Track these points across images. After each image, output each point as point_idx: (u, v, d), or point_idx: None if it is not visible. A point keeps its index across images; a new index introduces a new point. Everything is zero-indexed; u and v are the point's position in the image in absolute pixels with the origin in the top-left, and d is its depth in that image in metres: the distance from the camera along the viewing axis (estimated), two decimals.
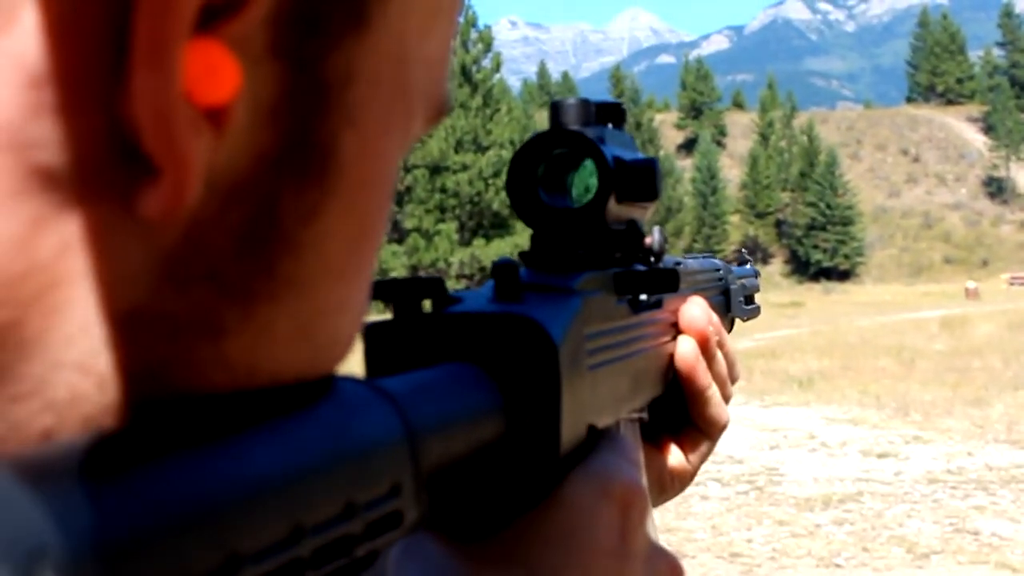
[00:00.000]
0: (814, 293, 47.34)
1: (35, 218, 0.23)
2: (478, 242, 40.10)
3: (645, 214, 0.67)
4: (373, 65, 0.30)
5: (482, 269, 39.20)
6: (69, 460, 0.22)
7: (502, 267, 0.49)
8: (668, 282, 0.61)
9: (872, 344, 17.47)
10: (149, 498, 0.22)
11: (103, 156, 0.24)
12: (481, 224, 40.68)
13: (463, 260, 39.34)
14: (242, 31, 0.25)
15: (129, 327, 0.25)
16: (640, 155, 0.66)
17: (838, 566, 5.75)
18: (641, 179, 0.63)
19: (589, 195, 0.62)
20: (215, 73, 0.25)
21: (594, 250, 0.62)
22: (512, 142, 40.85)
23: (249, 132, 0.26)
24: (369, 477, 0.30)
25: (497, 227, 40.73)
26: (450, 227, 38.77)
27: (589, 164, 0.62)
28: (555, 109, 0.65)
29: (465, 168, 39.11)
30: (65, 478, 0.21)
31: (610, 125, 0.65)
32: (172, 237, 0.26)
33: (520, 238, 39.87)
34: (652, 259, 0.67)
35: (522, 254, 0.62)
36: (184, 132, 0.24)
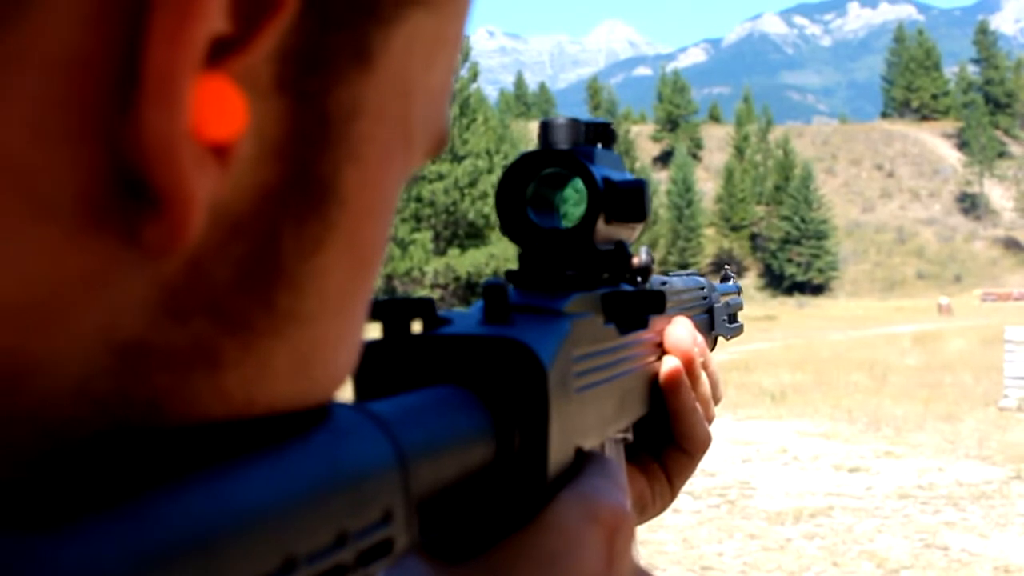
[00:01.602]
0: (788, 307, 47.53)
1: (34, 247, 0.23)
2: (453, 252, 40.06)
3: (633, 235, 0.67)
4: (376, 99, 0.30)
5: (456, 279, 39.19)
6: (46, 494, 0.22)
7: (492, 289, 0.49)
8: (655, 304, 0.62)
9: (845, 358, 17.56)
10: (138, 530, 0.22)
11: (105, 187, 0.24)
12: (456, 234, 40.65)
13: (438, 269, 39.28)
14: (249, 65, 0.25)
15: (127, 357, 0.25)
16: (629, 176, 0.66)
17: None
18: (630, 200, 0.63)
19: (578, 215, 0.62)
20: (223, 108, 0.25)
21: (582, 270, 0.62)
22: (488, 152, 40.89)
23: (253, 167, 0.27)
24: (361, 504, 0.30)
25: (472, 237, 40.71)
26: (425, 236, 38.72)
27: (578, 184, 0.62)
28: (545, 128, 0.65)
29: (441, 177, 39.09)
30: (42, 513, 0.21)
31: (600, 145, 0.65)
32: (173, 270, 0.26)
33: (495, 248, 39.87)
34: (639, 279, 0.67)
35: (509, 273, 0.62)
36: (189, 167, 0.24)
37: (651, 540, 6.37)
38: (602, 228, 0.62)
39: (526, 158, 0.63)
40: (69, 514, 0.21)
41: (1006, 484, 7.85)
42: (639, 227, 0.67)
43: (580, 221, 0.62)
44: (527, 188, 0.63)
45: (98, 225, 0.24)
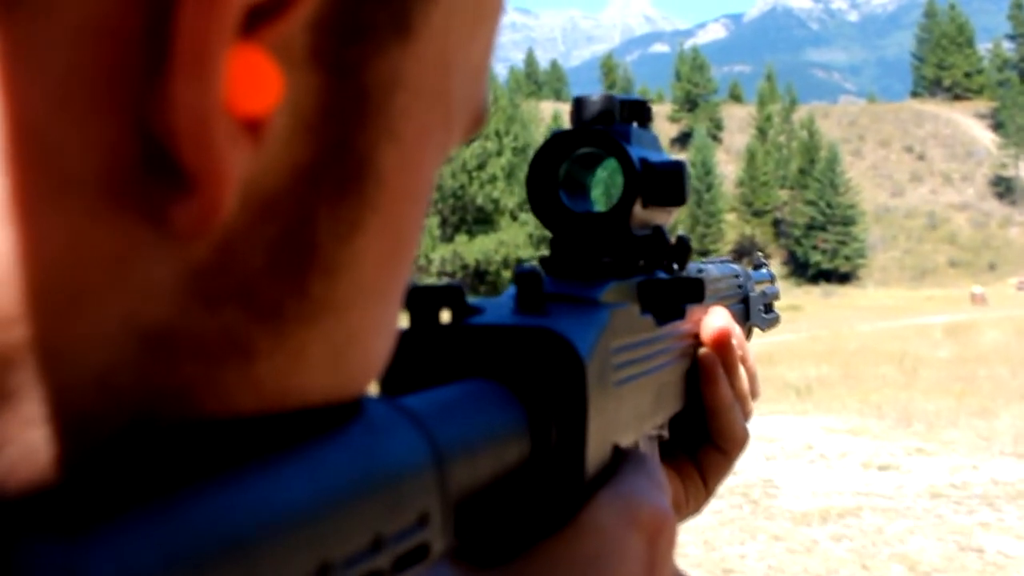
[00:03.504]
0: (813, 296, 47.52)
1: (57, 227, 0.23)
2: (461, 238, 40.08)
3: (670, 219, 0.67)
4: (416, 73, 0.30)
5: (464, 267, 39.21)
6: (75, 496, 0.22)
7: (525, 276, 0.49)
8: (693, 292, 0.62)
9: (873, 351, 17.51)
10: (169, 533, 0.22)
11: (132, 165, 0.23)
12: (464, 219, 40.67)
13: (445, 256, 39.32)
14: (285, 35, 0.25)
15: (153, 345, 0.25)
16: (667, 156, 0.65)
17: None
18: (669, 183, 0.62)
19: (613, 198, 0.62)
20: (257, 81, 0.24)
21: (618, 257, 0.62)
22: (497, 133, 40.88)
23: (286, 143, 0.26)
24: (397, 506, 0.30)
25: (481, 222, 40.73)
26: (432, 222, 38.73)
27: (614, 165, 0.62)
28: (578, 105, 0.64)
29: (448, 160, 39.01)
30: (72, 517, 0.21)
31: (635, 124, 0.64)
32: (202, 253, 0.25)
33: (505, 234, 39.89)
34: (675, 266, 0.67)
35: (543, 260, 0.62)
36: (222, 143, 0.24)
37: None
38: (639, 212, 0.62)
39: (559, 137, 0.62)
40: (98, 517, 0.21)
41: None
42: (676, 211, 0.66)
43: (616, 204, 0.62)
44: (559, 169, 0.62)
45: (124, 204, 0.24)
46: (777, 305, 1.05)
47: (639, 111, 0.65)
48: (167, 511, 0.22)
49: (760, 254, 1.13)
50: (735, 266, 0.95)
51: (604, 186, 0.63)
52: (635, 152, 0.62)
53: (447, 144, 0.34)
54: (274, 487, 0.25)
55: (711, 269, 0.86)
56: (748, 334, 0.95)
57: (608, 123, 0.63)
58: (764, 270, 1.05)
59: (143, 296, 0.25)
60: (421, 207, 0.33)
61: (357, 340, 0.31)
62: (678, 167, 0.63)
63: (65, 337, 0.24)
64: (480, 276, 39.49)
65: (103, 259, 0.24)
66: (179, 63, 0.23)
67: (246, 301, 0.27)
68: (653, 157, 0.63)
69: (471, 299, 0.48)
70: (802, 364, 15.30)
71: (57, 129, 0.23)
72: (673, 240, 0.67)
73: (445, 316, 0.47)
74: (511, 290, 0.50)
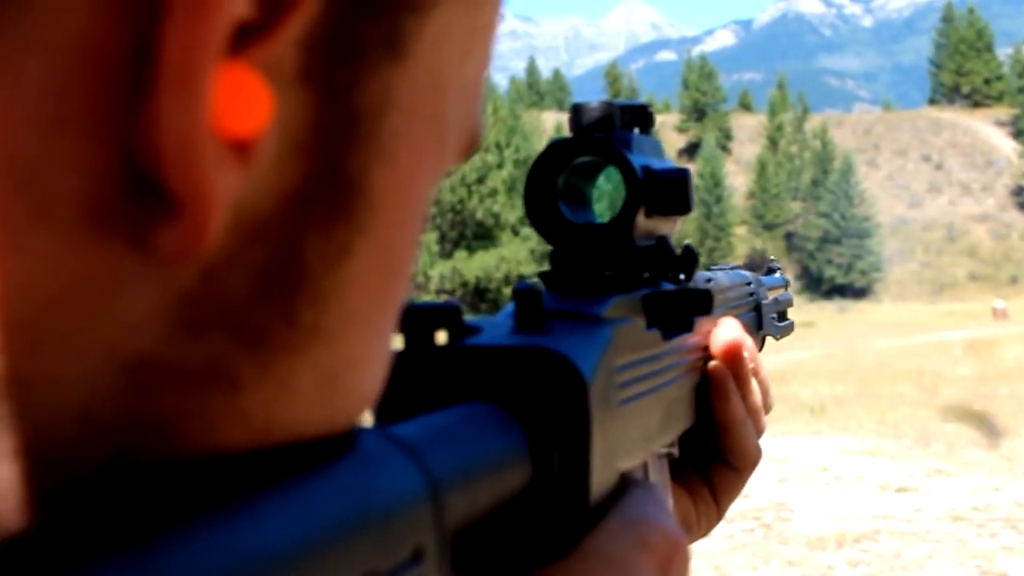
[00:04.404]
0: (827, 312, 47.52)
1: (36, 253, 0.23)
2: (460, 254, 40.11)
3: (675, 228, 0.66)
4: (408, 93, 0.30)
5: (464, 284, 39.23)
6: (50, 540, 0.22)
7: (524, 293, 0.48)
8: (701, 304, 0.61)
9: (890, 368, 17.50)
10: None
11: (115, 188, 0.23)
12: (463, 235, 40.70)
13: (443, 273, 39.35)
14: (274, 54, 0.25)
15: (136, 376, 0.25)
16: (670, 164, 0.65)
17: None
18: (672, 191, 0.62)
19: (615, 208, 0.62)
20: (245, 101, 0.24)
21: (621, 270, 0.61)
22: (498, 145, 40.95)
23: (275, 165, 0.26)
24: (390, 543, 0.29)
25: (481, 238, 40.76)
26: (430, 238, 38.76)
27: (615, 174, 0.62)
28: (576, 112, 0.64)
29: (447, 174, 39.07)
30: (46, 564, 0.21)
31: (636, 130, 0.64)
32: (187, 279, 0.25)
33: (506, 250, 39.92)
34: (682, 277, 0.66)
35: (543, 274, 0.61)
36: (209, 165, 0.24)
37: None
38: (642, 222, 0.62)
39: (557, 146, 0.62)
40: (73, 565, 0.21)
41: None
42: (680, 220, 0.66)
43: (618, 215, 0.62)
44: (558, 179, 0.62)
45: (106, 229, 0.23)
46: (792, 319, 1.04)
47: (640, 116, 0.64)
48: (146, 557, 0.22)
49: (772, 259, 1.12)
50: (746, 272, 0.95)
51: (605, 196, 0.64)
52: (636, 159, 0.62)
53: (441, 166, 0.34)
54: (259, 527, 0.25)
55: (720, 277, 0.85)
56: (761, 344, 0.95)
57: (608, 130, 0.62)
58: (777, 275, 1.04)
59: (127, 324, 0.24)
60: (414, 231, 0.33)
61: (348, 369, 0.31)
62: (682, 174, 0.63)
63: (45, 368, 0.24)
64: (480, 294, 39.53)
65: (85, 286, 0.24)
66: (164, 82, 0.23)
67: (232, 328, 0.27)
68: (656, 164, 0.63)
69: (468, 318, 0.48)
70: (816, 382, 15.29)
71: (37, 151, 0.22)
72: (679, 250, 0.66)
73: (441, 337, 0.47)
74: (510, 307, 0.50)
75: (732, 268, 0.92)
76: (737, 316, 0.79)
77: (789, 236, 70.09)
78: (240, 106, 0.24)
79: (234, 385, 0.27)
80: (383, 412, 0.45)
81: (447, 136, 0.33)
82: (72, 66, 0.22)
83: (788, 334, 1.00)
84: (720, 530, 7.16)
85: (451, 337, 0.47)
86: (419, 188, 0.32)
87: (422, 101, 0.31)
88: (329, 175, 0.28)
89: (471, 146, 0.36)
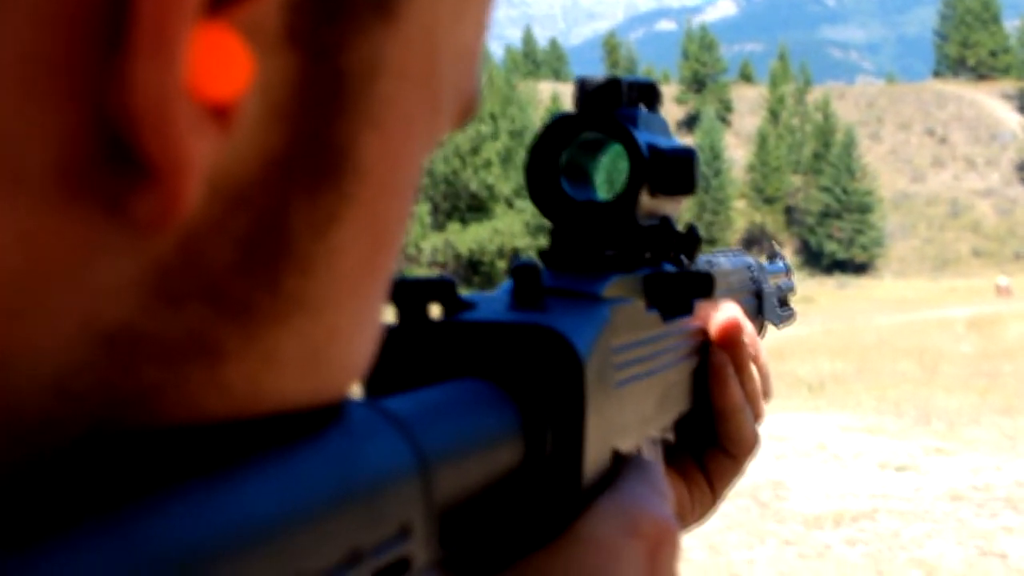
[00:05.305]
0: (827, 288, 47.52)
1: (7, 221, 0.23)
2: (453, 226, 40.11)
3: (678, 208, 0.67)
4: (399, 56, 0.29)
5: (457, 257, 39.23)
6: (24, 508, 0.22)
7: (523, 269, 0.48)
8: (703, 287, 0.61)
9: (891, 345, 17.53)
10: (123, 549, 0.21)
11: (88, 153, 0.23)
12: (457, 207, 40.68)
13: (436, 246, 39.34)
14: (256, 14, 0.25)
15: (114, 347, 0.25)
16: (676, 142, 0.65)
17: None
18: (678, 170, 0.62)
19: (618, 187, 0.61)
20: (224, 62, 0.24)
21: (622, 249, 0.61)
22: (492, 116, 40.88)
23: (258, 130, 0.26)
24: (377, 518, 0.29)
25: (474, 210, 40.75)
26: (422, 209, 38.75)
27: (619, 151, 0.61)
28: (581, 87, 0.63)
29: (439, 144, 39.02)
30: (19, 530, 0.21)
31: (643, 107, 0.64)
32: (166, 247, 0.25)
33: (500, 222, 39.91)
34: (684, 259, 0.66)
35: (542, 252, 0.61)
36: (185, 130, 0.23)
37: None
38: (646, 201, 0.62)
39: (560, 121, 0.62)
40: (45, 531, 0.21)
41: None
42: (685, 200, 0.66)
43: (621, 193, 0.61)
44: (561, 155, 0.62)
45: (79, 196, 0.23)
46: (793, 308, 1.05)
47: (647, 93, 0.64)
48: (123, 525, 0.22)
49: (775, 243, 1.13)
50: (748, 258, 0.95)
51: (608, 173, 0.63)
52: (642, 137, 0.61)
53: (434, 133, 0.33)
54: (241, 499, 0.25)
55: (722, 261, 0.86)
56: (761, 331, 0.95)
57: (614, 106, 0.62)
58: (779, 262, 1.05)
59: (103, 294, 0.24)
60: (406, 199, 0.32)
61: (335, 340, 0.31)
62: (688, 154, 0.62)
63: (18, 339, 0.23)
64: (474, 266, 39.53)
65: (59, 255, 0.23)
66: (138, 43, 0.22)
67: (214, 299, 0.26)
68: (662, 143, 0.63)
69: (464, 293, 0.48)
70: (815, 359, 15.31)
71: (8, 116, 0.22)
72: (681, 230, 0.66)
73: (435, 311, 0.47)
74: (507, 284, 0.50)
75: (735, 253, 0.92)
76: (738, 301, 0.79)
77: (789, 210, 70.11)
78: (219, 69, 0.24)
79: (216, 356, 0.27)
80: (375, 387, 0.45)
81: (441, 101, 0.33)
82: (42, 27, 0.22)
83: (790, 323, 1.01)
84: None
85: (445, 312, 0.47)
86: (411, 155, 0.32)
87: (414, 64, 0.30)
88: (315, 141, 0.27)
89: (467, 113, 0.36)
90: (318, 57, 0.27)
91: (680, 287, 0.61)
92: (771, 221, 69.01)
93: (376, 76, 0.29)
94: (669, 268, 0.64)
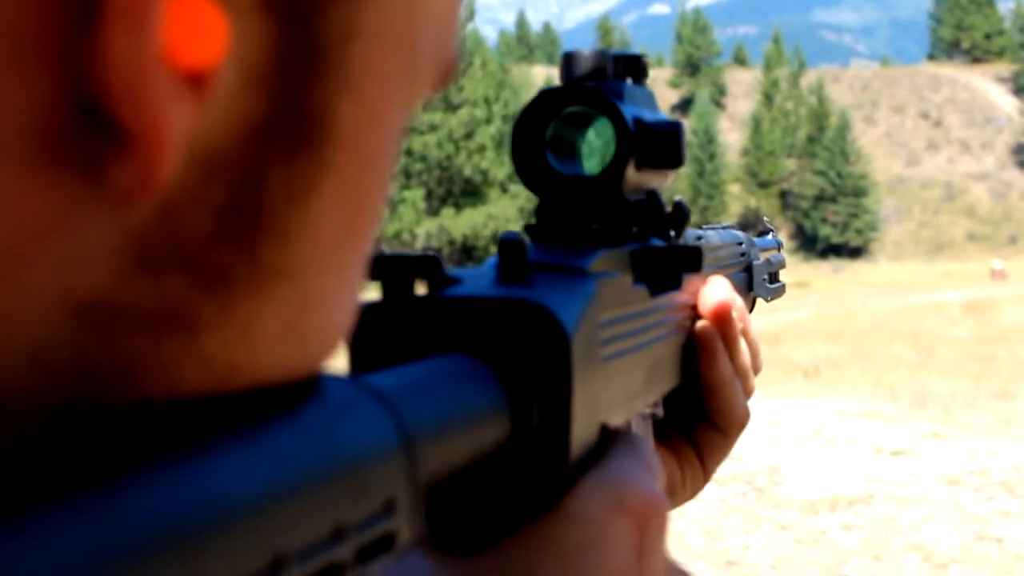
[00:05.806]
0: (822, 272, 47.56)
1: None
2: (447, 211, 40.04)
3: (665, 182, 0.67)
4: (376, 20, 0.29)
5: (451, 242, 39.18)
6: (3, 484, 0.21)
7: (508, 244, 0.48)
8: (690, 261, 0.61)
9: (886, 329, 17.55)
10: (102, 526, 0.21)
11: (63, 121, 0.23)
12: (451, 192, 40.61)
13: (430, 231, 39.29)
14: None
15: (90, 318, 0.25)
16: (663, 116, 0.65)
17: None
18: (664, 144, 0.62)
19: (605, 160, 0.61)
20: (199, 30, 0.24)
21: (609, 224, 0.61)
22: (486, 100, 40.78)
23: (234, 98, 0.26)
24: (360, 494, 0.29)
25: (469, 195, 40.68)
26: (416, 194, 38.71)
27: (606, 125, 0.61)
28: (567, 61, 0.63)
29: (433, 129, 39.01)
30: (5, 506, 0.21)
31: (630, 80, 0.64)
32: (142, 217, 0.25)
33: (494, 207, 39.86)
34: (672, 233, 0.67)
35: (528, 227, 0.61)
36: (160, 98, 0.23)
37: (670, 532, 6.36)
38: (632, 175, 0.62)
39: (546, 95, 0.62)
40: (22, 508, 0.21)
41: None
42: (672, 174, 0.66)
43: (607, 167, 0.61)
44: (547, 129, 0.62)
45: (55, 165, 0.23)
46: (783, 281, 1.05)
47: (633, 66, 0.64)
48: (102, 501, 0.22)
49: (767, 219, 1.13)
50: (738, 232, 0.95)
51: (595, 147, 0.63)
52: (628, 111, 0.61)
53: (412, 97, 0.33)
54: (220, 474, 0.25)
55: (711, 236, 0.86)
56: (751, 305, 0.95)
57: (600, 80, 0.62)
58: (770, 237, 1.05)
59: (79, 264, 0.24)
60: (384, 166, 0.32)
61: (313, 310, 0.30)
62: (674, 127, 0.62)
63: None
64: (468, 252, 39.49)
65: (34, 224, 0.23)
66: (112, 10, 0.22)
67: (191, 268, 0.26)
68: (648, 116, 0.63)
69: (450, 269, 0.48)
70: (810, 344, 15.32)
71: None
72: (669, 206, 0.66)
73: (421, 288, 0.47)
74: (493, 259, 0.50)
75: (725, 227, 0.93)
76: (727, 276, 0.79)
77: (784, 194, 70.05)
78: (194, 35, 0.24)
79: (194, 327, 0.27)
80: (360, 364, 0.45)
81: (419, 66, 0.32)
82: None
83: (779, 296, 1.01)
84: (712, 494, 7.19)
85: (431, 287, 0.47)
86: (389, 121, 0.31)
87: (391, 28, 0.30)
88: (292, 108, 0.27)
89: (446, 77, 0.35)
90: (293, 23, 0.26)
91: (668, 261, 0.61)
92: (766, 205, 68.88)
93: (352, 41, 0.28)
94: (657, 242, 0.64)
